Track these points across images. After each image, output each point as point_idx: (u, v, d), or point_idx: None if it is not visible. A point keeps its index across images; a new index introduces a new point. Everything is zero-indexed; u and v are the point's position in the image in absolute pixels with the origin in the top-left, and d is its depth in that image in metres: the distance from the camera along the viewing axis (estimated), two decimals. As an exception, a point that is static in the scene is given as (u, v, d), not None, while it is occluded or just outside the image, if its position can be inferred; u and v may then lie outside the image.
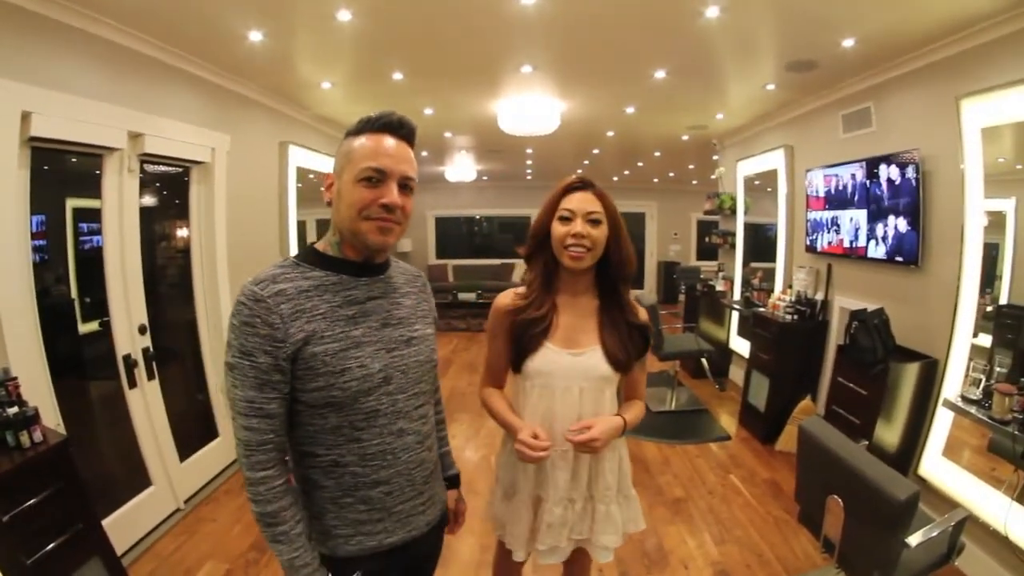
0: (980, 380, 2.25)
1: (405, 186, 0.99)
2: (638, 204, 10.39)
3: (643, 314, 1.39)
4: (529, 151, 6.83)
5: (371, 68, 3.26)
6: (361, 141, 0.96)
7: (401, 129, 0.99)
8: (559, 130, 4.49)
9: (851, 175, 3.40)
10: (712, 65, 3.25)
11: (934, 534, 1.77)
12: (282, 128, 3.97)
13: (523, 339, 1.32)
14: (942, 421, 2.57)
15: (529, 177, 9.59)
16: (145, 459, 2.66)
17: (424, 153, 6.87)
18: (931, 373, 2.70)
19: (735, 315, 5.37)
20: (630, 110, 4.41)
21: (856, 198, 3.38)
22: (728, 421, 4.39)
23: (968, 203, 2.42)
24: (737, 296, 5.39)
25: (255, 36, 2.63)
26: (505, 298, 1.40)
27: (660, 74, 3.39)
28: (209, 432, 3.23)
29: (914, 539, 1.67)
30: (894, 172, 2.97)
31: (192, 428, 3.09)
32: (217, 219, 3.16)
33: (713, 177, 6.04)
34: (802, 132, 4.08)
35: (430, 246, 10.37)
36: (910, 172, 2.83)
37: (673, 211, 10.44)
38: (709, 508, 3.02)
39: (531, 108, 4.12)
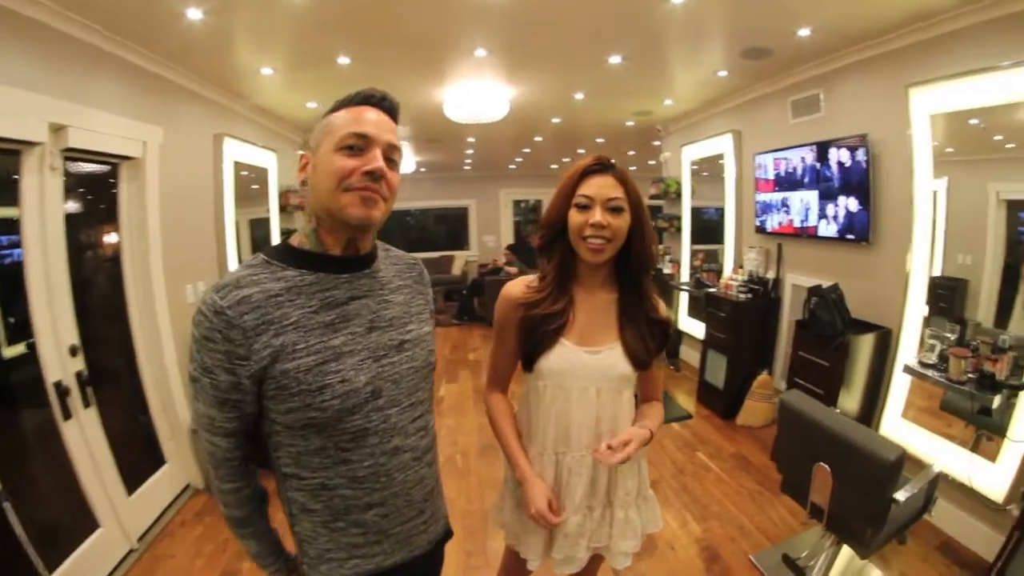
0: (935, 346, 2.55)
1: (390, 160, 0.92)
2: None
3: (663, 309, 1.33)
4: (471, 140, 6.81)
5: (316, 51, 3.12)
6: (340, 114, 0.91)
7: (384, 102, 0.95)
8: (505, 117, 4.52)
9: (801, 158, 3.68)
10: (668, 51, 3.40)
11: (916, 490, 1.98)
12: (218, 119, 3.73)
13: (536, 335, 1.25)
14: (899, 386, 2.88)
15: (467, 168, 9.57)
16: (89, 498, 2.44)
17: None
18: (886, 342, 3.02)
19: (684, 297, 5.66)
20: (579, 96, 4.50)
21: (806, 180, 3.66)
22: (686, 400, 4.63)
23: (917, 183, 2.71)
24: (686, 278, 5.68)
25: (194, 14, 2.45)
26: (515, 288, 1.30)
27: (615, 59, 3.49)
28: (155, 459, 3.00)
29: (901, 495, 1.87)
30: (844, 155, 3.26)
31: (137, 456, 2.85)
32: (150, 221, 2.92)
33: (656, 162, 6.32)
34: (750, 117, 4.35)
35: None
36: (860, 155, 3.12)
37: None
38: (683, 487, 3.18)
39: (480, 94, 4.12)
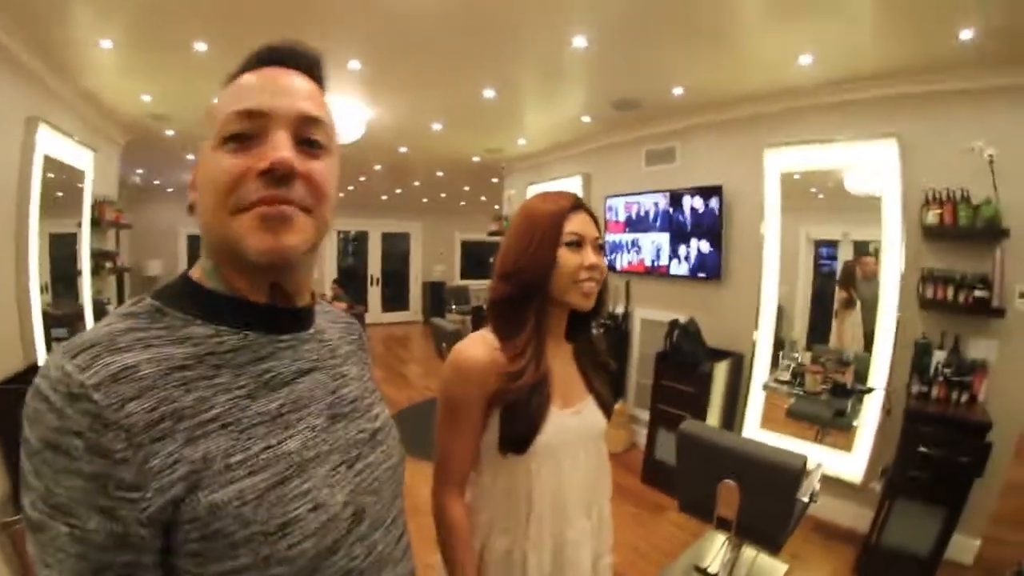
0: (790, 365, 3.10)
1: (310, 142, 0.60)
2: (404, 225, 10.73)
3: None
4: None
5: (169, 29, 2.62)
6: (229, 88, 0.61)
7: (294, 57, 0.63)
8: (355, 141, 4.33)
9: (654, 203, 4.21)
10: (545, 92, 3.65)
11: (809, 488, 2.35)
12: (32, 99, 2.89)
13: (528, 410, 1.07)
14: (755, 402, 3.42)
15: None
16: None
17: (190, 157, 5.78)
18: (740, 366, 3.56)
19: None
20: (437, 126, 4.53)
21: (659, 223, 4.19)
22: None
23: (768, 229, 3.32)
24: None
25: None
26: (477, 352, 1.08)
27: (489, 93, 3.60)
28: None
29: (803, 495, 2.20)
30: (698, 202, 3.82)
31: None
32: None
33: (500, 201, 6.61)
34: (602, 162, 4.83)
35: (182, 266, 8.67)
36: (713, 203, 3.69)
37: (438, 231, 10.98)
38: (569, 524, 3.30)
39: (340, 111, 3.88)
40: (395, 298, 10.88)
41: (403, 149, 5.47)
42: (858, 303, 3.42)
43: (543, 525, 1.11)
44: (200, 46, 2.79)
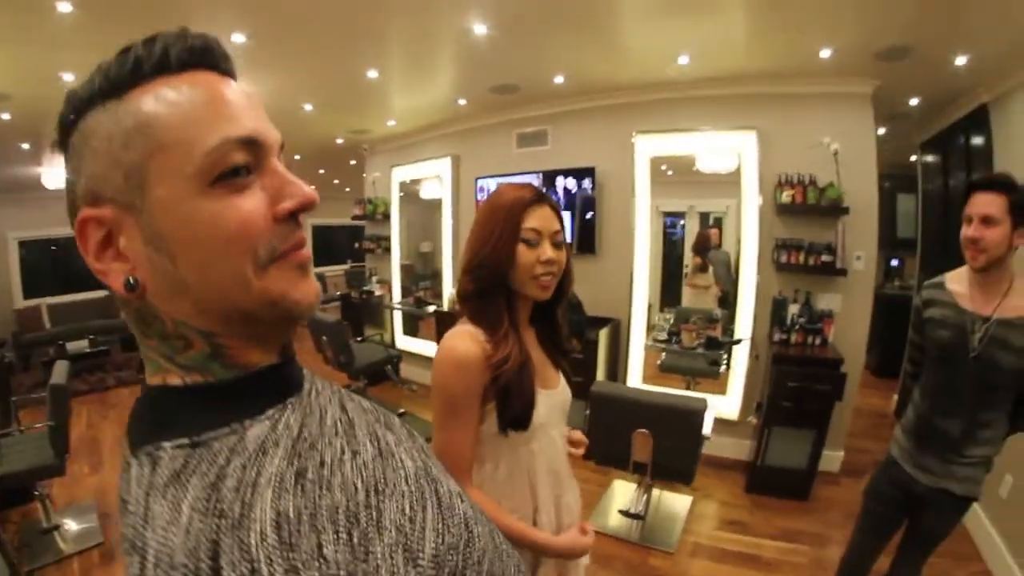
0: (665, 327, 3.56)
1: None
2: None
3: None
4: None
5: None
6: (156, 101, 0.44)
7: (224, 62, 0.50)
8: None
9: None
10: (428, 75, 3.64)
11: (708, 426, 2.77)
12: None
13: (522, 390, 1.14)
14: (635, 360, 3.86)
15: None
16: None
17: (25, 146, 4.79)
18: (618, 330, 3.98)
19: (398, 316, 5.92)
20: (308, 107, 4.29)
21: (532, 203, 4.43)
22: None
23: (638, 207, 3.73)
24: (398, 298, 5.93)
25: None
26: (469, 345, 1.11)
27: (373, 73, 3.53)
28: None
29: (707, 432, 2.62)
30: (571, 183, 4.11)
31: None
32: None
33: (361, 182, 6.39)
34: (472, 143, 4.92)
35: (14, 282, 7.27)
36: (586, 184, 4.01)
37: None
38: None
39: None
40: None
41: None
42: (710, 267, 4.01)
43: (546, 495, 1.23)
44: (63, 6, 2.32)
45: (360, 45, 3.05)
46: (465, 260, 1.18)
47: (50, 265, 7.99)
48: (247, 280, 0.45)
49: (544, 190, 1.28)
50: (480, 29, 2.72)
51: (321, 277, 8.37)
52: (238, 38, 2.80)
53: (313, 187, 0.49)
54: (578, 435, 1.35)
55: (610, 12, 2.59)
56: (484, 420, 1.15)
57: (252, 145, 0.46)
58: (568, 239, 1.28)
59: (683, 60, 3.12)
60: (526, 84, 3.75)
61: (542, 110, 4.26)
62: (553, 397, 1.23)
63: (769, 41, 2.86)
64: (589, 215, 4.07)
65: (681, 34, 2.81)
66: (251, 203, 0.46)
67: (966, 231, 1.51)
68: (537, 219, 1.14)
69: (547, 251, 1.13)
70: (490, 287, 1.15)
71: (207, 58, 0.48)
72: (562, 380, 1.29)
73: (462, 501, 0.57)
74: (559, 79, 3.58)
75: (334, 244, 11.03)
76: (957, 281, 1.65)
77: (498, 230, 1.13)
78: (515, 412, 1.14)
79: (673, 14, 2.56)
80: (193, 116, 0.44)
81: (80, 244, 0.46)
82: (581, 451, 1.33)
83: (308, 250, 0.49)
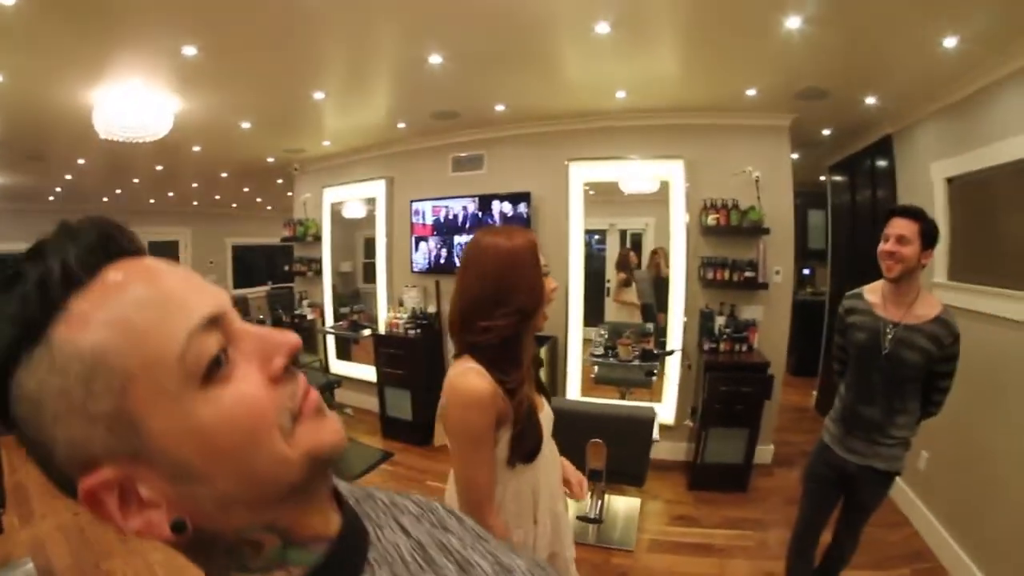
0: (601, 342, 3.79)
1: None
2: (172, 232, 9.26)
3: None
4: (81, 162, 5.11)
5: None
6: (92, 328, 0.37)
7: (132, 241, 0.44)
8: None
9: (463, 207, 4.56)
10: (374, 99, 3.70)
11: (655, 431, 2.98)
12: None
13: (534, 427, 1.24)
14: (573, 374, 4.07)
15: (52, 199, 7.28)
16: None
17: None
18: (556, 346, 4.17)
19: (331, 340, 5.80)
20: (246, 125, 4.20)
21: (468, 225, 4.55)
22: (374, 440, 4.75)
23: (572, 229, 3.97)
24: (330, 322, 5.81)
25: None
26: (483, 382, 1.17)
27: (319, 95, 3.54)
28: None
29: (656, 436, 2.84)
30: (507, 207, 4.29)
31: None
32: None
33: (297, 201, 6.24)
34: (406, 166, 4.98)
35: None
36: (522, 207, 4.20)
37: (209, 238, 9.72)
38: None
39: (146, 103, 3.33)
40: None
41: (197, 148, 4.84)
42: (633, 284, 4.30)
43: (544, 509, 1.35)
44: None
45: (309, 65, 3.07)
46: (497, 304, 1.20)
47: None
48: (285, 456, 0.41)
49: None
50: (435, 59, 2.84)
51: (244, 299, 8.00)
52: (189, 50, 2.72)
53: (288, 332, 0.45)
54: (579, 477, 1.49)
55: (558, 50, 2.81)
56: (496, 448, 1.23)
57: (215, 322, 0.41)
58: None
59: (620, 95, 3.41)
60: (467, 111, 3.90)
61: (479, 135, 4.43)
62: (546, 419, 1.34)
63: (701, 79, 3.19)
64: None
65: (620, 71, 3.07)
66: (249, 383, 0.41)
67: (884, 247, 1.84)
68: (542, 255, 1.26)
69: (552, 281, 1.26)
70: (524, 330, 1.23)
71: (112, 247, 0.41)
72: (544, 401, 1.40)
73: (520, 560, 0.59)
74: (500, 107, 3.77)
75: (254, 265, 10.63)
76: (873, 293, 2.00)
77: (529, 267, 1.22)
78: (527, 449, 1.24)
79: (617, 53, 2.79)
80: (142, 326, 0.38)
81: (99, 515, 0.39)
82: (582, 495, 1.48)
83: (315, 391, 0.46)
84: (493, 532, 1.10)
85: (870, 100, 3.28)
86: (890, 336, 1.86)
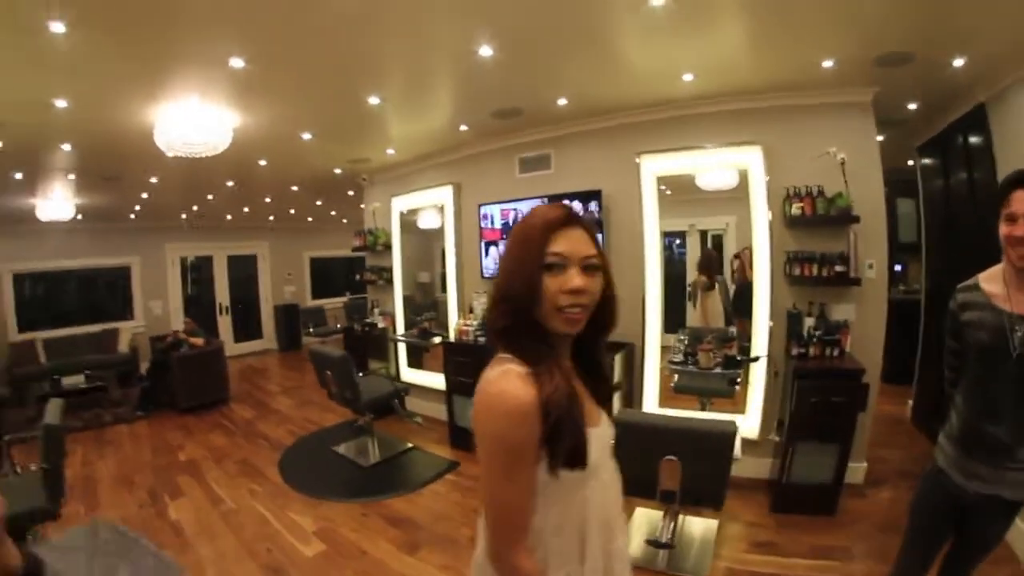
0: (680, 348, 3.49)
1: None
2: (250, 246, 9.84)
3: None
4: (153, 180, 5.46)
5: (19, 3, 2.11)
6: None
7: None
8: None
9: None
10: (431, 100, 3.63)
11: (738, 447, 2.67)
12: None
13: (573, 419, 0.99)
14: (651, 383, 3.79)
15: (133, 217, 7.88)
16: None
17: (18, 175, 4.78)
18: (632, 353, 3.91)
19: (403, 348, 5.80)
20: (307, 136, 4.27)
21: (538, 228, 4.38)
22: (442, 450, 4.68)
23: (647, 228, 3.71)
24: (401, 330, 5.82)
25: None
26: (523, 388, 0.96)
27: (374, 100, 3.50)
28: None
29: (738, 453, 2.52)
30: (577, 206, 4.07)
31: None
32: None
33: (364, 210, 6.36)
34: (473, 170, 4.91)
35: (8, 315, 7.64)
36: (593, 206, 3.97)
37: (286, 251, 10.27)
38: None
39: (204, 118, 3.44)
40: (246, 326, 9.93)
41: (263, 162, 5.02)
42: (716, 285, 3.95)
43: (595, 545, 1.08)
44: (57, 27, 2.23)
45: (361, 69, 3.03)
46: (495, 290, 1.05)
47: (44, 298, 8.20)
48: None
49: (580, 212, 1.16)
50: (485, 51, 2.71)
51: (321, 310, 8.30)
52: (236, 63, 2.77)
53: None
54: None
55: (615, 32, 2.60)
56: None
57: None
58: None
59: (688, 78, 3.14)
60: (529, 107, 3.76)
61: (544, 134, 4.27)
62: (600, 434, 1.09)
63: (772, 54, 2.88)
64: (598, 239, 4.03)
65: (685, 52, 2.83)
66: None
67: (1011, 230, 1.45)
68: (564, 242, 0.99)
69: (574, 278, 0.98)
70: (519, 322, 1.01)
71: None
72: (604, 416, 1.15)
73: None
74: (562, 101, 3.60)
75: (331, 276, 11.03)
76: (991, 282, 1.59)
77: (523, 255, 1.00)
78: (568, 446, 0.98)
79: (676, 30, 2.55)
80: None
81: None
82: None
83: None
84: (521, 575, 0.95)
85: (958, 62, 2.85)
86: (1019, 334, 1.46)
